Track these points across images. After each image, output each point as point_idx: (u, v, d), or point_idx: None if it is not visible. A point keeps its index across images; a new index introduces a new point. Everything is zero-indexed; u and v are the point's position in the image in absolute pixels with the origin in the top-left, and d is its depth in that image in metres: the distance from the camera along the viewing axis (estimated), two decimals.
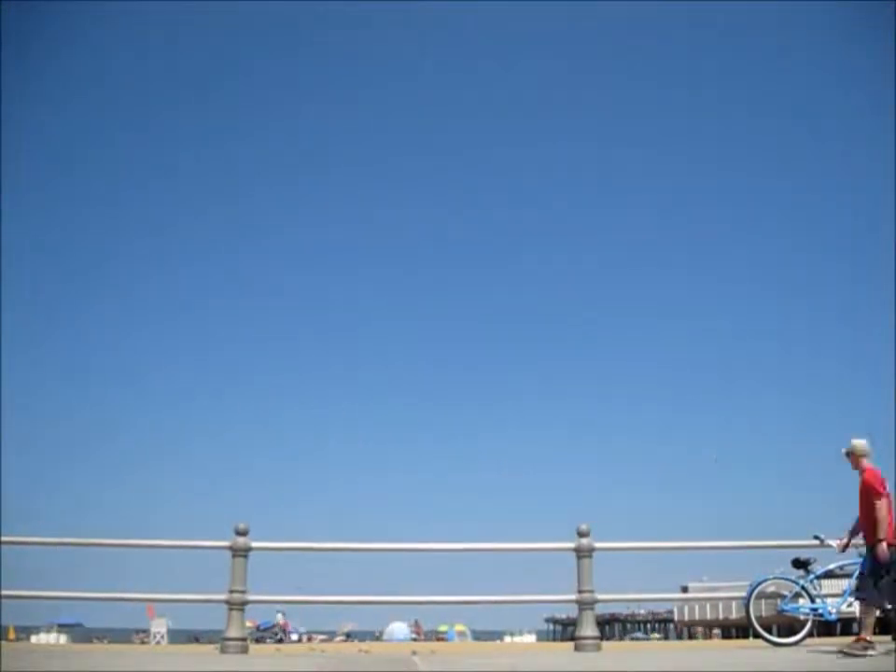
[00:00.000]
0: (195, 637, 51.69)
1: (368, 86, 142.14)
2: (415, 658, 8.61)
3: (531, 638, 61.46)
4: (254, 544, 9.70)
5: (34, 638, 46.25)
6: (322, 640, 47.68)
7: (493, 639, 55.90)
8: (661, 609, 75.70)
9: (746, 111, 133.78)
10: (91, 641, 47.80)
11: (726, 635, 58.13)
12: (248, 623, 10.29)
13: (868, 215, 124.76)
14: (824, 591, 10.04)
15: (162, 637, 49.94)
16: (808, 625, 9.58)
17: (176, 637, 51.58)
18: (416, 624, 54.99)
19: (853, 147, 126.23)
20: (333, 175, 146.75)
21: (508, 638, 59.44)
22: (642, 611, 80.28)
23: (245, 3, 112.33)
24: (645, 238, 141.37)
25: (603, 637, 10.55)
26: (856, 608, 9.00)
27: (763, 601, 9.82)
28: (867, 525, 8.54)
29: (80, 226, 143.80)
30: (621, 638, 71.49)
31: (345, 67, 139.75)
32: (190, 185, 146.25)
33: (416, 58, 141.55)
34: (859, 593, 8.69)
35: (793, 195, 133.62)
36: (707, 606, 60.37)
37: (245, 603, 9.53)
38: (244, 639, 9.55)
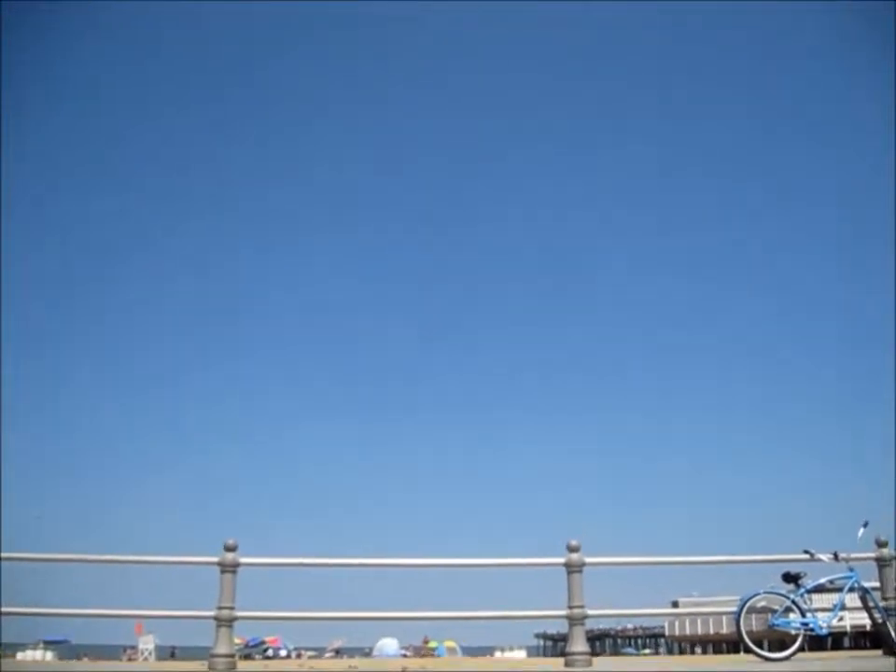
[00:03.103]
0: (171, 653, 51.48)
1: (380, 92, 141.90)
2: None
3: (521, 654, 61.16)
4: (242, 560, 9.66)
5: (19, 655, 45.85)
6: (311, 656, 47.44)
7: (483, 655, 55.67)
8: (652, 624, 75.61)
9: (744, 112, 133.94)
10: (78, 658, 47.40)
11: (717, 649, 58.09)
12: (237, 640, 10.22)
13: (868, 217, 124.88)
14: (815, 605, 10.03)
15: (150, 653, 49.65)
16: (799, 640, 9.56)
17: (162, 653, 51.31)
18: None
19: (853, 148, 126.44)
20: (339, 180, 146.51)
21: (498, 654, 59.20)
22: (630, 626, 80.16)
23: (253, 4, 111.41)
24: (643, 249, 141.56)
25: (594, 652, 10.52)
26: (847, 622, 9.00)
27: (753, 616, 9.80)
28: None
29: (82, 234, 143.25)
30: (612, 654, 71.33)
31: (358, 71, 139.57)
32: (194, 192, 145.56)
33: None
34: None
35: (792, 199, 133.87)
36: (699, 621, 60.30)
37: (233, 619, 9.48)
38: (231, 656, 9.49)
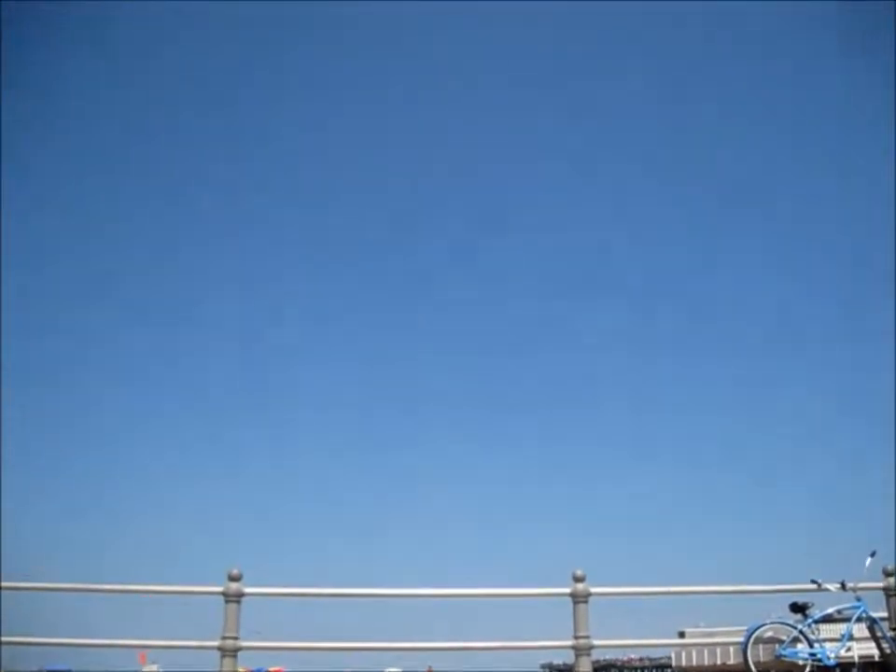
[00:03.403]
0: None
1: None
2: None
3: None
4: (247, 590, 9.63)
5: None
6: None
7: None
8: (658, 654, 75.09)
9: (743, 113, 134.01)
10: None
11: None
12: (241, 670, 10.16)
13: (867, 221, 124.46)
14: (823, 635, 9.98)
15: None
16: (807, 670, 9.50)
17: None
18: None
19: (854, 149, 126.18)
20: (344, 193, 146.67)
21: None
22: (633, 656, 79.63)
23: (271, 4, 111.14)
24: (647, 265, 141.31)
25: None
26: (855, 652, 8.96)
27: (760, 646, 9.74)
28: None
29: (81, 249, 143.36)
30: None
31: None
32: (199, 204, 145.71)
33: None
34: None
35: (792, 204, 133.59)
36: (706, 651, 59.90)
37: (237, 649, 9.45)
38: None
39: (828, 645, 9.66)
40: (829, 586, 9.81)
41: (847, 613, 9.78)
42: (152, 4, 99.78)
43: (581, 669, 9.60)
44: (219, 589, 9.59)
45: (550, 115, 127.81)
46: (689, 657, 64.12)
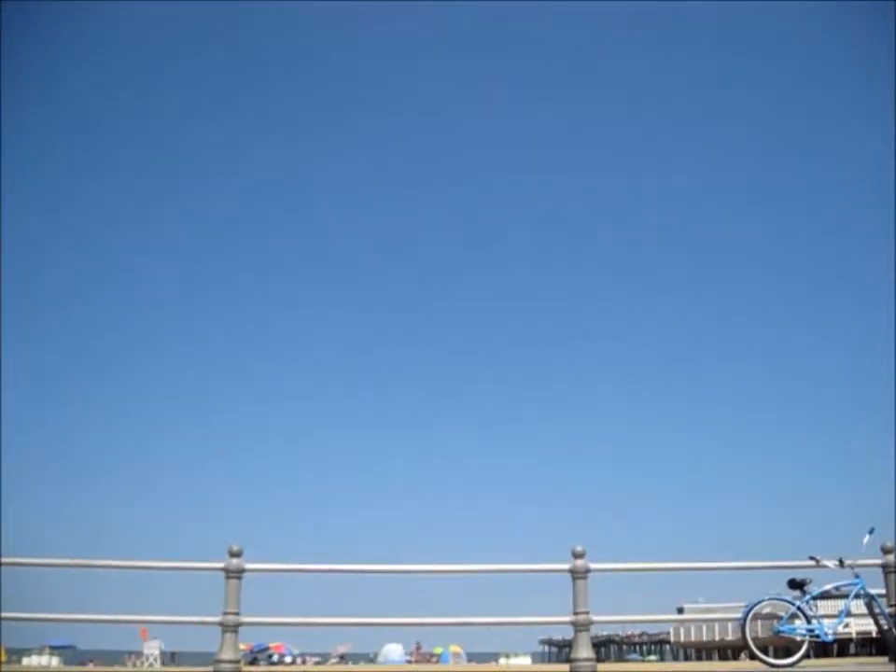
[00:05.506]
0: (170, 657, 51.57)
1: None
2: None
3: (526, 660, 61.08)
4: (248, 566, 9.65)
5: (25, 660, 45.95)
6: (316, 662, 47.46)
7: (488, 661, 55.61)
8: (657, 630, 75.40)
9: (744, 113, 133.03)
10: (83, 663, 47.47)
11: (723, 656, 58.01)
12: (242, 646, 10.22)
13: (865, 219, 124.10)
14: (820, 612, 10.01)
15: (155, 659, 49.75)
16: (805, 646, 9.53)
17: (164, 658, 51.40)
18: (417, 647, 54.58)
19: (853, 151, 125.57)
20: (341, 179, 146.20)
21: (503, 660, 59.13)
22: (637, 632, 79.98)
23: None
24: (647, 257, 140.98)
25: (599, 658, 10.51)
26: (852, 628, 8.98)
27: (759, 622, 9.78)
28: None
29: (79, 238, 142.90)
30: (616, 660, 71.21)
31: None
32: (199, 202, 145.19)
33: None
34: None
35: (793, 205, 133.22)
36: (704, 627, 60.19)
37: (238, 625, 9.47)
38: (237, 661, 9.48)
39: (826, 621, 9.68)
40: (827, 563, 9.83)
41: (845, 590, 9.80)
42: (152, 4, 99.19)
43: (580, 644, 9.63)
44: (220, 565, 9.60)
45: None
46: (687, 633, 64.45)
